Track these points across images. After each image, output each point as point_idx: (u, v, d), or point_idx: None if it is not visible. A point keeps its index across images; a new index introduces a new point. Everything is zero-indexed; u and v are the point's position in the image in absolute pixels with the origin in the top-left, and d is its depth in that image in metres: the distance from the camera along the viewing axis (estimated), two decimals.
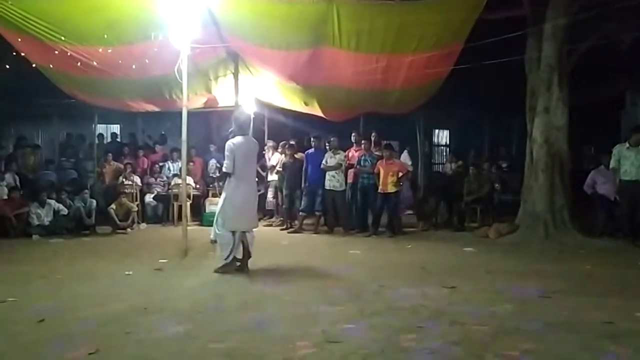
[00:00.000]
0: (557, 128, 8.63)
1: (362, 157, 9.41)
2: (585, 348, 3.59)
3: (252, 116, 6.61)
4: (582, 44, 8.58)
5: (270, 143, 11.13)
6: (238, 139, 6.04)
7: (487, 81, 10.22)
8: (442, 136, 17.41)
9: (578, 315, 4.39)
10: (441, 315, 4.36)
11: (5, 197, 9.27)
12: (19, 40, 7.82)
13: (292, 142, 10.15)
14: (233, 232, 5.98)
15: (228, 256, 5.98)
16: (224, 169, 6.03)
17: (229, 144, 5.99)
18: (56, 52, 7.94)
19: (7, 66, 7.90)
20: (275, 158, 10.66)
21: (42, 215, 9.01)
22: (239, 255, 6.06)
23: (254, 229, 6.26)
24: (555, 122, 8.62)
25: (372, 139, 9.86)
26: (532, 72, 8.93)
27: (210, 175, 11.24)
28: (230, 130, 6.31)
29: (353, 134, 10.20)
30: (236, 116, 6.33)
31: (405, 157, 11.78)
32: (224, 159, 6.04)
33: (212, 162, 11.37)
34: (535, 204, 8.65)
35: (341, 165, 9.28)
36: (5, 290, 5.20)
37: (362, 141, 9.81)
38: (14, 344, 3.72)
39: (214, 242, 6.21)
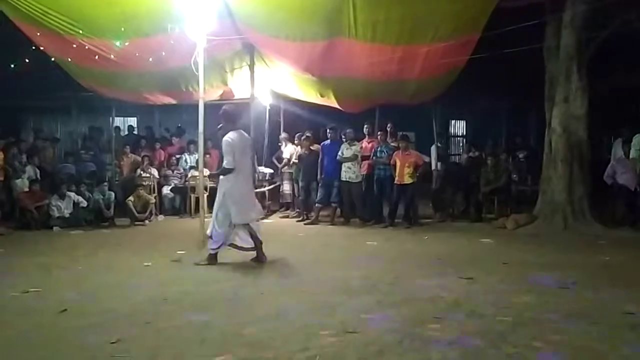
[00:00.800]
0: (577, 117, 8.52)
1: (378, 148, 9.38)
2: (605, 339, 3.57)
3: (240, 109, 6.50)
4: (601, 32, 8.43)
5: (283, 135, 11.14)
6: (234, 134, 6.04)
7: (505, 71, 10.09)
8: (459, 127, 17.28)
9: (597, 306, 4.36)
10: (459, 306, 4.36)
11: (27, 189, 9.42)
12: (38, 34, 7.92)
13: (308, 134, 10.14)
14: (237, 225, 6.03)
15: (215, 249, 6.04)
16: (226, 165, 5.98)
17: (227, 139, 5.98)
18: (74, 45, 8.02)
19: (27, 60, 8.01)
20: (288, 150, 10.67)
21: (62, 207, 9.14)
22: (249, 245, 6.15)
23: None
24: (575, 112, 8.51)
25: (388, 130, 9.82)
26: (550, 61, 8.81)
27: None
28: (219, 126, 6.28)
29: (366, 126, 10.18)
30: (225, 111, 6.27)
31: (433, 151, 11.60)
32: (225, 155, 5.98)
33: None
34: (554, 195, 8.57)
35: (357, 156, 9.26)
36: (28, 280, 5.31)
37: (378, 132, 9.79)
38: (38, 333, 3.81)
39: (210, 237, 6.16)
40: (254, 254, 6.18)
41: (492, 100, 13.25)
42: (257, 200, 6.73)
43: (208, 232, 6.17)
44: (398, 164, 8.95)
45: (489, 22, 7.72)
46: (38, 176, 10.06)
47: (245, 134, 6.31)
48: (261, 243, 6.21)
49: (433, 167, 10.70)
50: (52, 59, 8.67)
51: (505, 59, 7.93)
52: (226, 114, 6.22)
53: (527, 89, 10.10)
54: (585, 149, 8.61)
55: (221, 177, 6.13)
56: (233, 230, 6.10)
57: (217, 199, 6.14)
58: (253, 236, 6.16)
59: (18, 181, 9.64)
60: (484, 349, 3.41)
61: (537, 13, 8.20)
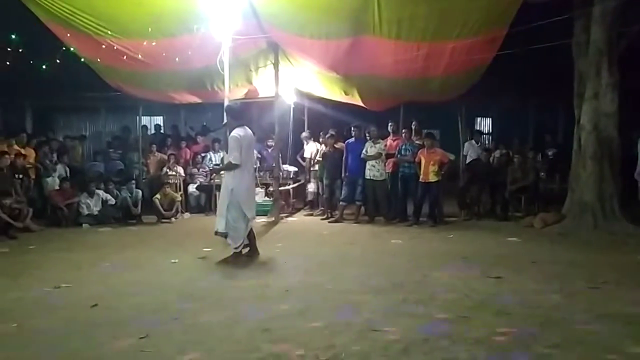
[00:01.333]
0: (607, 115, 8.33)
1: (403, 146, 9.33)
2: (636, 341, 3.49)
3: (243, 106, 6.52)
4: (632, 26, 8.23)
5: (304, 134, 11.16)
6: (240, 130, 6.07)
7: (532, 67, 9.95)
8: (485, 124, 17.07)
9: (628, 306, 4.27)
10: (485, 305, 4.31)
11: (57, 187, 9.63)
12: (68, 35, 8.09)
13: (332, 132, 10.13)
14: (245, 222, 6.08)
15: (238, 247, 6.11)
16: (232, 161, 5.99)
17: (234, 135, 6.01)
18: (103, 46, 8.18)
19: (58, 60, 8.17)
20: (309, 149, 10.68)
21: (91, 205, 9.31)
22: (246, 242, 6.21)
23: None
24: (605, 109, 8.32)
25: (413, 127, 9.76)
26: (580, 57, 8.64)
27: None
28: (224, 123, 6.29)
29: (390, 124, 10.13)
30: (229, 107, 6.32)
31: (467, 148, 11.52)
32: (232, 151, 5.98)
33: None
34: (583, 193, 8.40)
35: (381, 154, 9.22)
36: (59, 276, 5.42)
37: (402, 130, 9.75)
38: (69, 327, 3.89)
39: (223, 235, 6.14)
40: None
41: (520, 97, 13.05)
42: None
43: (221, 229, 6.10)
44: (423, 161, 8.89)
45: (516, 18, 7.61)
46: (68, 174, 10.27)
47: (250, 131, 6.30)
48: (255, 239, 6.31)
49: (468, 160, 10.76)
50: (82, 60, 8.85)
51: (532, 54, 7.81)
52: (231, 110, 6.29)
53: (555, 85, 9.91)
54: (616, 146, 8.41)
55: (228, 173, 6.17)
56: (249, 224, 6.15)
57: (222, 194, 6.17)
58: (250, 232, 6.25)
59: (49, 179, 9.88)
60: (512, 349, 3.37)
61: (566, 8, 8.05)
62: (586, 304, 4.32)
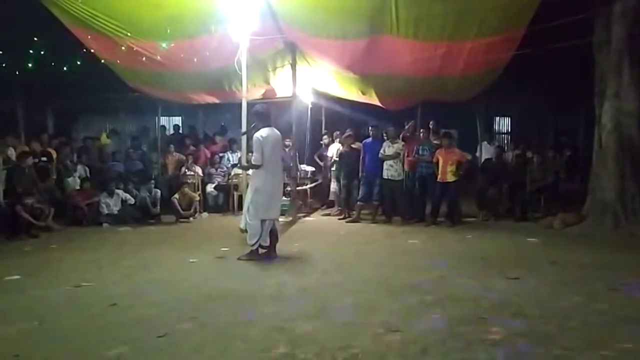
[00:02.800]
0: (629, 114, 8.19)
1: (421, 146, 9.30)
2: None
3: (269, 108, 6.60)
4: None
5: (325, 140, 11.20)
6: (264, 131, 6.14)
7: (552, 66, 9.83)
8: (503, 124, 16.92)
9: None
10: (504, 306, 4.28)
11: (78, 187, 9.77)
12: (89, 37, 8.20)
13: (349, 132, 10.12)
14: (262, 222, 6.13)
15: (254, 244, 6.16)
16: (253, 162, 6.13)
17: (257, 136, 6.10)
18: (123, 47, 8.27)
19: (78, 62, 8.30)
20: (332, 149, 10.69)
21: (111, 204, 9.43)
22: (265, 243, 6.23)
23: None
24: (626, 108, 8.19)
25: (430, 127, 9.71)
26: (600, 56, 8.51)
27: None
28: (252, 125, 6.38)
29: (409, 124, 10.09)
30: (257, 109, 6.39)
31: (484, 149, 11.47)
32: (254, 152, 6.11)
33: None
34: (604, 193, 8.28)
35: (399, 154, 9.19)
36: (80, 275, 5.51)
37: (420, 130, 9.71)
38: (90, 325, 3.95)
39: (244, 231, 6.34)
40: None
41: (539, 96, 12.91)
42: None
43: (241, 225, 6.34)
44: (441, 161, 8.84)
45: (535, 16, 7.52)
46: (88, 174, 10.41)
47: (277, 132, 6.39)
48: (277, 241, 6.35)
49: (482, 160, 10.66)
50: (102, 61, 8.96)
51: (552, 53, 7.71)
52: (257, 112, 6.35)
53: (575, 84, 9.79)
54: (637, 145, 8.27)
55: (253, 173, 6.28)
56: (267, 223, 6.18)
57: (247, 193, 6.31)
58: (272, 232, 6.28)
59: (70, 180, 10.01)
60: (530, 350, 3.34)
61: (586, 6, 7.95)
62: (607, 306, 4.27)
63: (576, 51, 8.19)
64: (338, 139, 10.53)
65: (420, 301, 4.45)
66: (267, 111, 6.43)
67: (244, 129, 7.12)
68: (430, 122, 9.88)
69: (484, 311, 4.15)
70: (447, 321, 3.91)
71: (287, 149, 10.30)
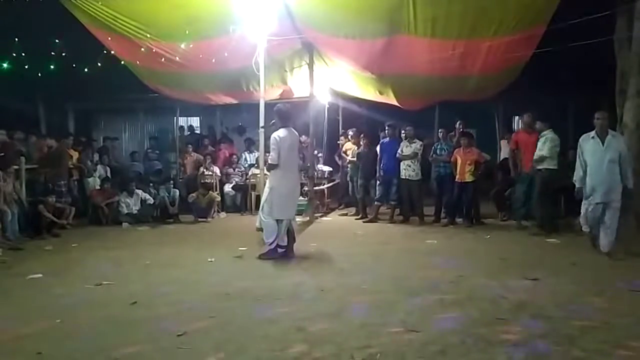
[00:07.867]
0: None
1: (438, 146, 9.25)
2: None
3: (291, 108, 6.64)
4: None
5: (342, 140, 11.22)
6: (282, 131, 6.19)
7: (572, 64, 9.70)
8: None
9: None
10: (524, 307, 4.23)
11: (98, 187, 9.91)
12: (109, 39, 8.31)
13: (352, 132, 10.14)
14: (278, 221, 6.16)
15: (272, 242, 6.19)
16: (269, 161, 6.18)
17: (274, 136, 6.15)
18: (142, 49, 8.38)
19: (99, 64, 8.41)
20: (345, 148, 10.70)
21: (130, 204, 9.55)
22: (283, 243, 6.25)
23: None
24: None
25: (457, 127, 9.60)
26: (622, 53, 8.35)
27: None
28: (272, 123, 6.41)
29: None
30: (279, 107, 6.43)
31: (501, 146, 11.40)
32: (271, 151, 6.16)
33: None
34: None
35: (417, 154, 9.14)
36: (101, 274, 5.59)
37: (439, 130, 9.68)
38: (110, 324, 4.00)
39: (260, 229, 6.42)
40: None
41: (559, 95, 12.74)
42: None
43: (257, 224, 6.42)
44: (459, 161, 8.78)
45: (555, 14, 7.43)
46: (108, 174, 10.55)
47: (295, 132, 6.42)
48: (294, 241, 6.37)
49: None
50: (122, 62, 9.07)
51: (572, 52, 7.60)
52: (280, 111, 6.38)
53: (596, 82, 9.64)
54: None
55: (270, 172, 6.31)
56: (284, 222, 6.21)
57: (264, 192, 6.35)
58: (289, 232, 6.30)
59: (90, 180, 10.18)
60: (550, 351, 3.30)
61: (607, 3, 7.83)
62: (628, 308, 4.20)
63: (597, 49, 8.06)
64: (352, 140, 10.49)
65: (439, 301, 4.43)
66: (289, 111, 6.46)
67: (261, 124, 7.17)
68: (458, 122, 9.77)
69: (503, 312, 4.12)
70: (466, 321, 3.89)
71: (307, 147, 10.30)
